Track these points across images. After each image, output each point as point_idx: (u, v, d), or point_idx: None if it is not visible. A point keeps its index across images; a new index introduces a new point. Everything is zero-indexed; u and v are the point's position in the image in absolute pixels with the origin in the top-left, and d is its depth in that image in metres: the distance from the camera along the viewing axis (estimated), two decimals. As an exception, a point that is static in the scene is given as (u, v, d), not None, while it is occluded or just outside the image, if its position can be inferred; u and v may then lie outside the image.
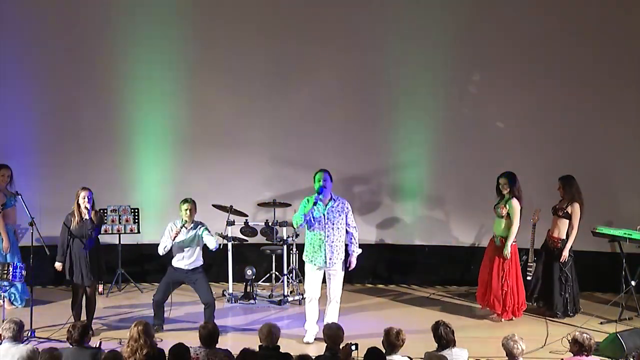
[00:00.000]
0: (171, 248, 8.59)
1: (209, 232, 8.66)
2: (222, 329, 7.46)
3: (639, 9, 10.01)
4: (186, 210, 8.54)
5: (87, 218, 8.27)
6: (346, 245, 8.42)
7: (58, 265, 8.38)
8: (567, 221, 9.18)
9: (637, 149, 10.14)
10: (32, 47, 10.22)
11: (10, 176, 9.37)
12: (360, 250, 8.45)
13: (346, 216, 8.31)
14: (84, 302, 8.45)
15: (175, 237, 8.50)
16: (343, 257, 8.36)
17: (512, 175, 9.06)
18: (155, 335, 6.82)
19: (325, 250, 8.23)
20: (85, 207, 8.24)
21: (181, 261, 8.62)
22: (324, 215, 8.24)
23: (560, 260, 9.17)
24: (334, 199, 8.31)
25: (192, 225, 8.61)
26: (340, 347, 6.50)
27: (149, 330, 6.35)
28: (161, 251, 8.63)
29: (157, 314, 8.64)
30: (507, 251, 8.98)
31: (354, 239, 8.39)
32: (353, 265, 8.43)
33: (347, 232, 8.36)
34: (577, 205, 9.14)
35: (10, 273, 8.34)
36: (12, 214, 9.37)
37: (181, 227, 8.52)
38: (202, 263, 8.70)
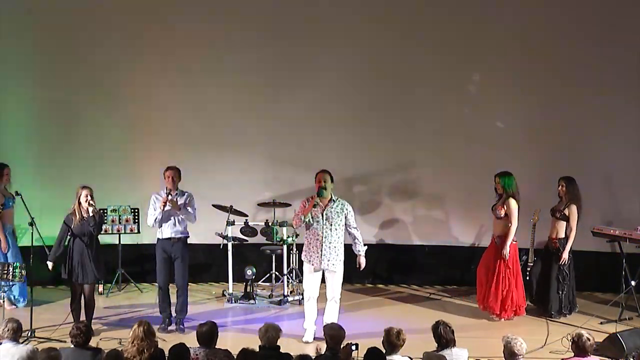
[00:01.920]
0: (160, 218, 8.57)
1: (194, 208, 8.64)
2: (222, 329, 7.44)
3: (639, 9, 10.02)
4: (168, 177, 8.56)
5: (90, 216, 8.26)
6: (350, 246, 8.39)
7: (50, 264, 8.34)
8: (565, 223, 9.17)
9: (637, 149, 10.14)
10: (32, 47, 10.23)
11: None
12: (365, 247, 8.43)
13: (346, 218, 8.30)
14: (83, 302, 8.43)
15: (164, 206, 8.46)
16: (342, 258, 8.33)
17: (506, 174, 9.03)
18: (158, 336, 6.81)
19: (324, 251, 8.23)
20: (89, 204, 8.22)
21: (167, 229, 8.57)
22: (322, 216, 8.24)
23: (560, 263, 9.16)
24: (333, 200, 8.31)
25: (177, 192, 8.61)
26: (341, 347, 6.50)
27: (152, 330, 6.38)
28: (150, 222, 8.61)
29: (163, 305, 8.62)
30: (506, 251, 8.96)
31: (357, 238, 8.38)
32: (363, 264, 8.42)
33: (349, 233, 8.35)
34: (574, 207, 9.11)
35: (10, 273, 8.33)
36: (9, 215, 9.36)
37: (167, 195, 8.49)
38: (188, 235, 8.68)
